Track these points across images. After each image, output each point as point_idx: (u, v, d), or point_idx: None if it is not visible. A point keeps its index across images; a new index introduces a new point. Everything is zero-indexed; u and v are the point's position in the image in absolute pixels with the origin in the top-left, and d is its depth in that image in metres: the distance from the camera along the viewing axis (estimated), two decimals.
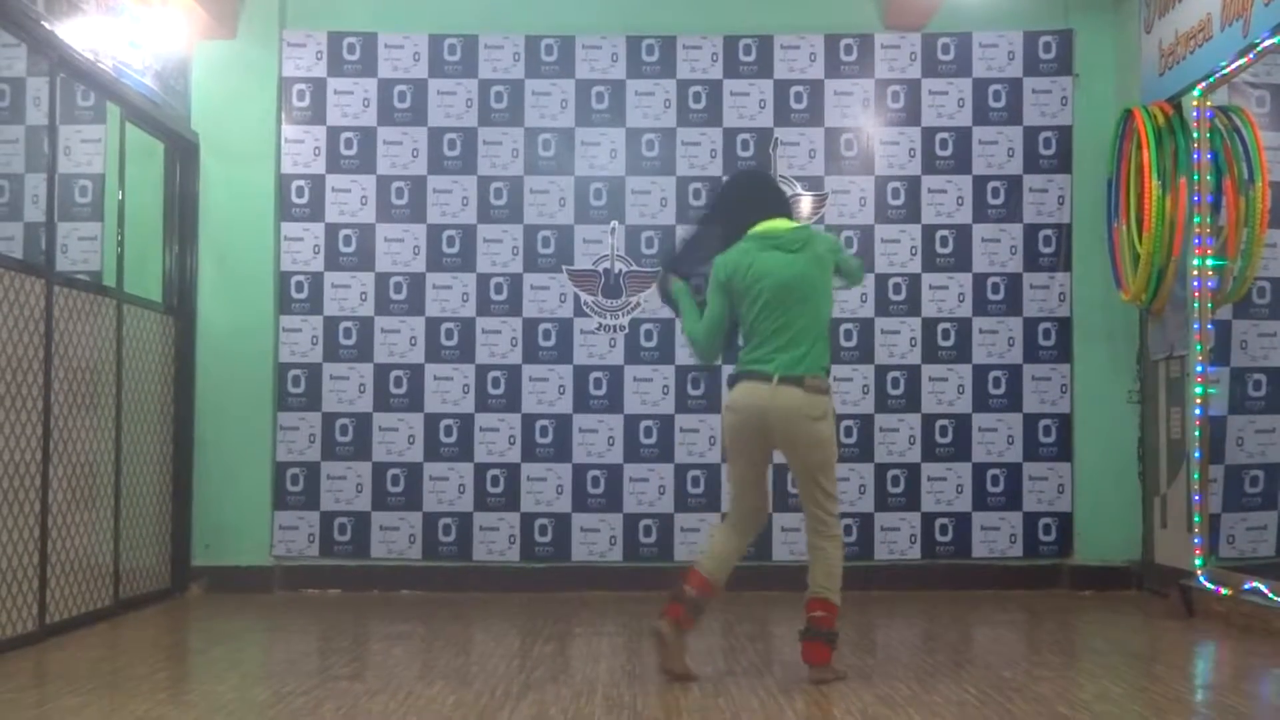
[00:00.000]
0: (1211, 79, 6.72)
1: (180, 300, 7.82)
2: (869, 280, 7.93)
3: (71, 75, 6.65)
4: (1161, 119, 7.10)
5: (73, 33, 6.39)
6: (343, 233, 7.99)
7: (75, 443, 6.40)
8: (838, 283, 5.31)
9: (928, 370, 7.96)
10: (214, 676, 5.48)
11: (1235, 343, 7.15)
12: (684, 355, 7.91)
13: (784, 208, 5.39)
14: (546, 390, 7.95)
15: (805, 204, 8.00)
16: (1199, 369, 6.88)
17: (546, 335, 7.92)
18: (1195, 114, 6.86)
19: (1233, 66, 6.53)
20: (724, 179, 5.94)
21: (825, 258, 5.18)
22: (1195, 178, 6.87)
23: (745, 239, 5.19)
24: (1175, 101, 7.12)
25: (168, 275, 7.79)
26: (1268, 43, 6.19)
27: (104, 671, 5.53)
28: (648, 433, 7.92)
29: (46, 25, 6.16)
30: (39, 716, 4.57)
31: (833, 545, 5.16)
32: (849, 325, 7.94)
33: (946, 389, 7.94)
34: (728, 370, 5.42)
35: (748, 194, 5.39)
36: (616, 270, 7.96)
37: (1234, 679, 5.31)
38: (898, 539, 7.90)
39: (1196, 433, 6.87)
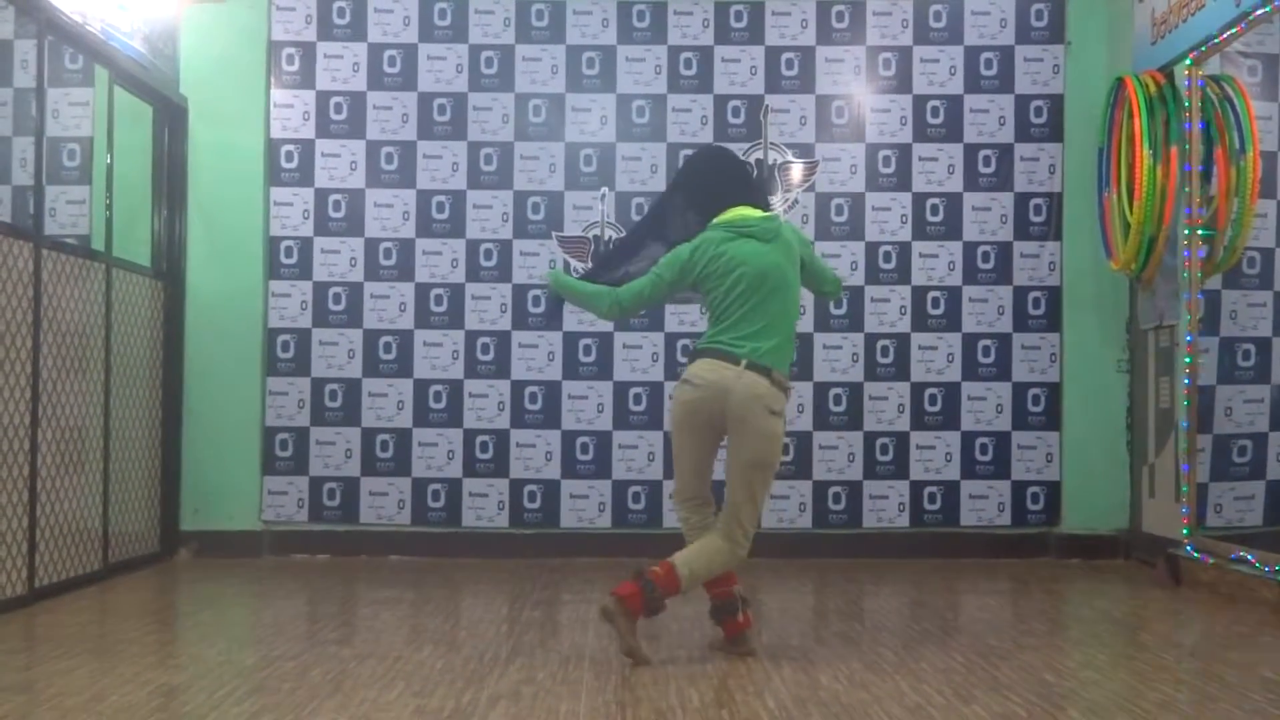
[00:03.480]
0: (1203, 48, 6.70)
1: (169, 265, 7.79)
2: (859, 248, 7.92)
3: (59, 38, 6.60)
4: (1153, 88, 7.07)
5: None
6: (332, 198, 7.96)
7: (64, 407, 6.39)
8: (811, 286, 5.21)
9: (917, 339, 7.95)
10: (202, 640, 5.49)
11: (1225, 312, 7.14)
12: (674, 323, 7.91)
13: (753, 194, 5.22)
14: (536, 357, 7.94)
15: (796, 171, 7.98)
16: (1188, 338, 6.88)
17: (536, 301, 7.90)
18: (1187, 83, 6.84)
19: (1224, 35, 6.51)
20: (687, 156, 5.56)
21: (795, 249, 5.02)
22: (1186, 147, 6.85)
23: (711, 227, 5.02)
24: (1167, 70, 7.10)
25: (156, 239, 7.75)
26: (1259, 12, 6.18)
27: (93, 635, 5.53)
28: (637, 399, 7.92)
29: None
30: (28, 679, 4.57)
31: (729, 552, 4.94)
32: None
33: (936, 357, 7.94)
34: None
35: (716, 178, 5.17)
36: (606, 237, 7.94)
37: (1220, 647, 5.33)
38: (886, 507, 7.91)
39: (1185, 402, 6.88)
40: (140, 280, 7.42)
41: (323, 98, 7.98)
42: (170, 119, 7.81)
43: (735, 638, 5.01)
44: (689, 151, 7.89)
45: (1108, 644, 5.60)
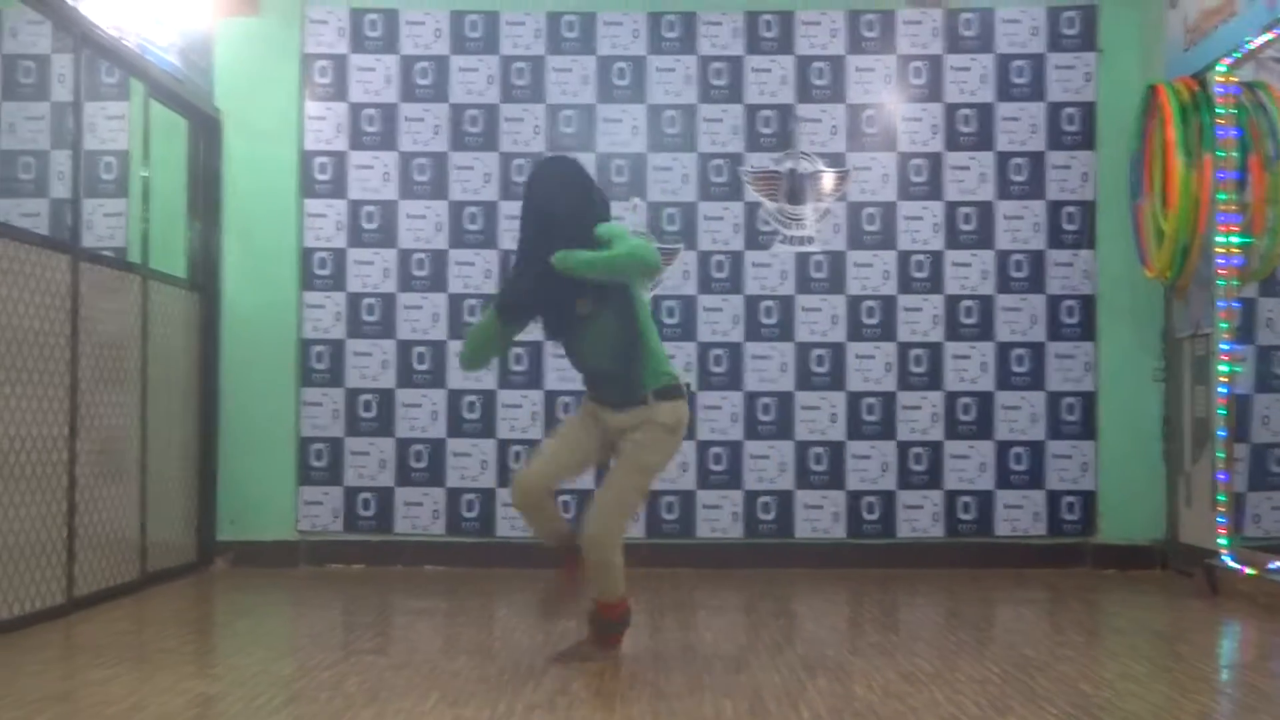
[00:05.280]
0: (1237, 54, 6.66)
1: (205, 276, 7.83)
2: (891, 257, 7.90)
3: (96, 52, 6.65)
4: (1186, 95, 7.03)
5: (97, 9, 6.40)
6: (365, 209, 7.99)
7: (102, 418, 6.42)
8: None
9: (950, 348, 7.92)
10: (239, 650, 5.50)
11: (1261, 320, 7.10)
12: (707, 332, 7.91)
13: (606, 207, 5.11)
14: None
15: (827, 180, 7.97)
16: (1224, 347, 6.83)
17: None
18: (1220, 90, 6.80)
19: (1259, 41, 6.47)
20: (533, 170, 5.21)
21: None
22: (1220, 154, 6.81)
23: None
24: (1200, 77, 7.05)
25: (192, 251, 7.79)
26: None
27: (131, 644, 5.55)
28: None
29: (71, 2, 6.16)
30: (67, 688, 4.59)
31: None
32: (871, 303, 7.91)
33: (969, 366, 7.91)
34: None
35: (577, 192, 4.95)
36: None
37: (1259, 658, 5.29)
38: (920, 517, 7.87)
39: (1222, 411, 6.83)
40: (176, 292, 7.46)
41: (355, 110, 8.02)
42: (205, 132, 7.85)
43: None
44: (720, 161, 7.98)
45: (1145, 655, 5.55)
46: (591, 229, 4.84)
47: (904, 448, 7.90)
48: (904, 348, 7.92)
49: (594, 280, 4.78)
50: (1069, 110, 7.97)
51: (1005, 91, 7.98)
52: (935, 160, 7.98)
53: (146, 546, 6.95)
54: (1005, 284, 7.93)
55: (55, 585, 5.92)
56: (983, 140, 7.97)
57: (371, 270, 7.97)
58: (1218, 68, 6.80)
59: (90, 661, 5.06)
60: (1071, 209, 7.94)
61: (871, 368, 7.91)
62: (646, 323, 4.95)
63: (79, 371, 6.13)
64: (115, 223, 7.50)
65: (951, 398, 7.91)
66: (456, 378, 7.90)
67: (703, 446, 7.89)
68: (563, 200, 4.88)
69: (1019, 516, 7.87)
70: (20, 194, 7.52)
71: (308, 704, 4.35)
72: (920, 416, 7.90)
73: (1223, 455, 6.76)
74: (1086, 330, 7.91)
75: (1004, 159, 7.96)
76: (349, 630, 6.09)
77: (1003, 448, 7.89)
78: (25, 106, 7.60)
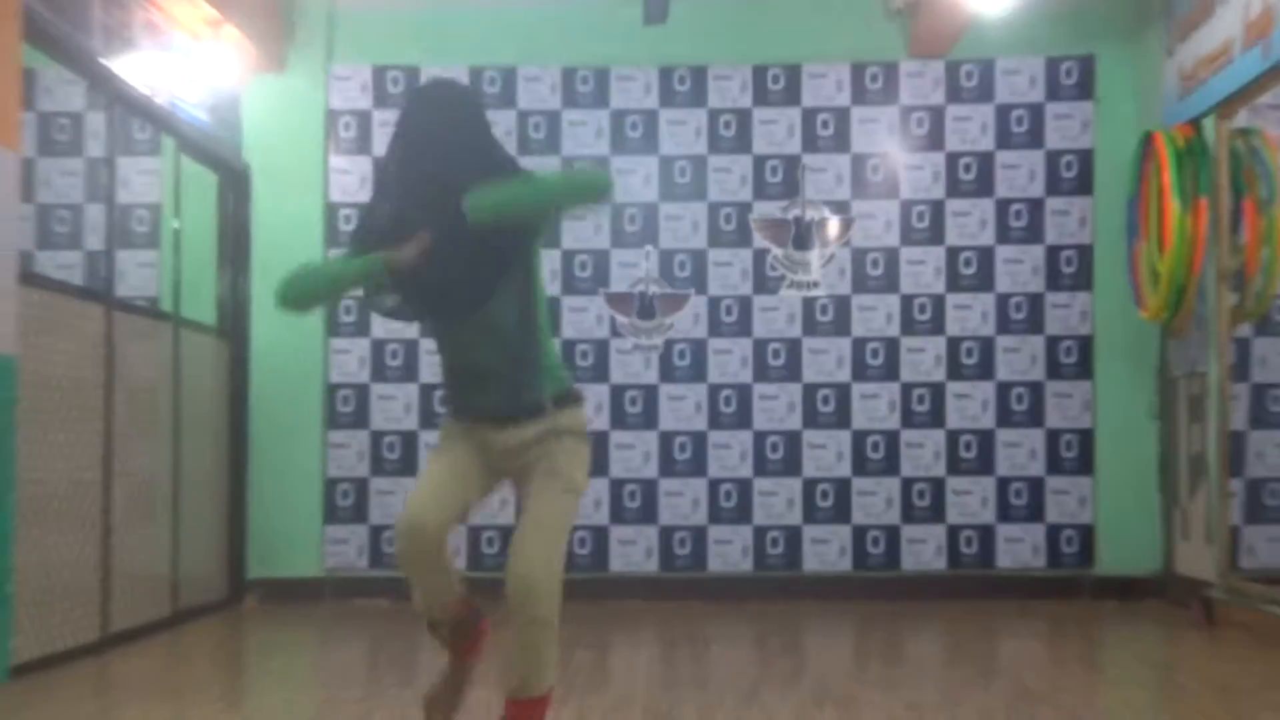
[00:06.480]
0: (1231, 101, 6.69)
1: (234, 324, 7.89)
2: (895, 301, 7.95)
3: (128, 109, 6.74)
4: (1182, 141, 7.06)
5: (129, 69, 6.49)
6: None
7: (135, 461, 6.47)
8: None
9: (952, 387, 7.95)
10: (269, 686, 5.54)
11: (1255, 359, 7.13)
12: (716, 374, 7.96)
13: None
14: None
15: (833, 227, 8.02)
16: (1219, 385, 6.85)
17: (584, 355, 7.95)
18: (1215, 136, 6.84)
19: (1251, 89, 6.50)
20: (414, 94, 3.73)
21: None
22: (1215, 198, 6.85)
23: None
24: (1195, 124, 7.09)
25: (221, 300, 7.85)
26: None
27: (164, 680, 5.59)
28: (682, 448, 7.94)
29: (104, 62, 6.26)
30: None
31: None
32: (875, 344, 7.94)
33: (970, 405, 7.94)
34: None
35: (479, 120, 3.59)
36: (651, 292, 8.00)
37: (1257, 688, 5.28)
38: (924, 550, 7.89)
39: (1217, 447, 6.85)
40: (206, 339, 7.52)
41: (379, 163, 8.07)
42: (234, 185, 7.93)
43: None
44: (729, 210, 8.04)
45: (1145, 684, 5.56)
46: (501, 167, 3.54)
47: (908, 484, 7.92)
48: (907, 388, 7.96)
49: (516, 224, 3.46)
50: (1067, 157, 8.02)
51: (1005, 140, 8.04)
52: (937, 207, 8.03)
53: (179, 584, 6.99)
54: (1005, 325, 7.96)
55: (90, 622, 5.95)
56: (983, 187, 8.02)
57: None
58: (1212, 115, 6.84)
59: (124, 698, 5.10)
60: (1069, 253, 7.98)
61: (876, 407, 7.94)
62: (546, 312, 3.69)
63: (113, 416, 6.19)
64: (148, 273, 7.57)
65: (953, 435, 7.94)
66: None
67: (713, 484, 7.92)
68: (467, 129, 3.53)
69: (1019, 550, 7.88)
70: (56, 246, 7.60)
71: None
72: (923, 454, 7.93)
73: (1218, 489, 6.75)
74: (1084, 370, 7.94)
75: (1004, 205, 8.01)
76: (374, 665, 6.11)
77: (1003, 483, 7.91)
78: (60, 162, 7.69)
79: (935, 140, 8.05)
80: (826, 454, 7.93)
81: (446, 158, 3.44)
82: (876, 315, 7.94)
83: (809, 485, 7.94)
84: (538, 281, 3.60)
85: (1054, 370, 7.94)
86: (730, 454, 7.94)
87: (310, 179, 8.07)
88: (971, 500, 7.90)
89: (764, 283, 8.02)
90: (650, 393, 7.98)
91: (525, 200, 3.42)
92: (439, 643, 3.81)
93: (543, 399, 3.59)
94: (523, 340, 3.55)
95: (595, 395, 7.92)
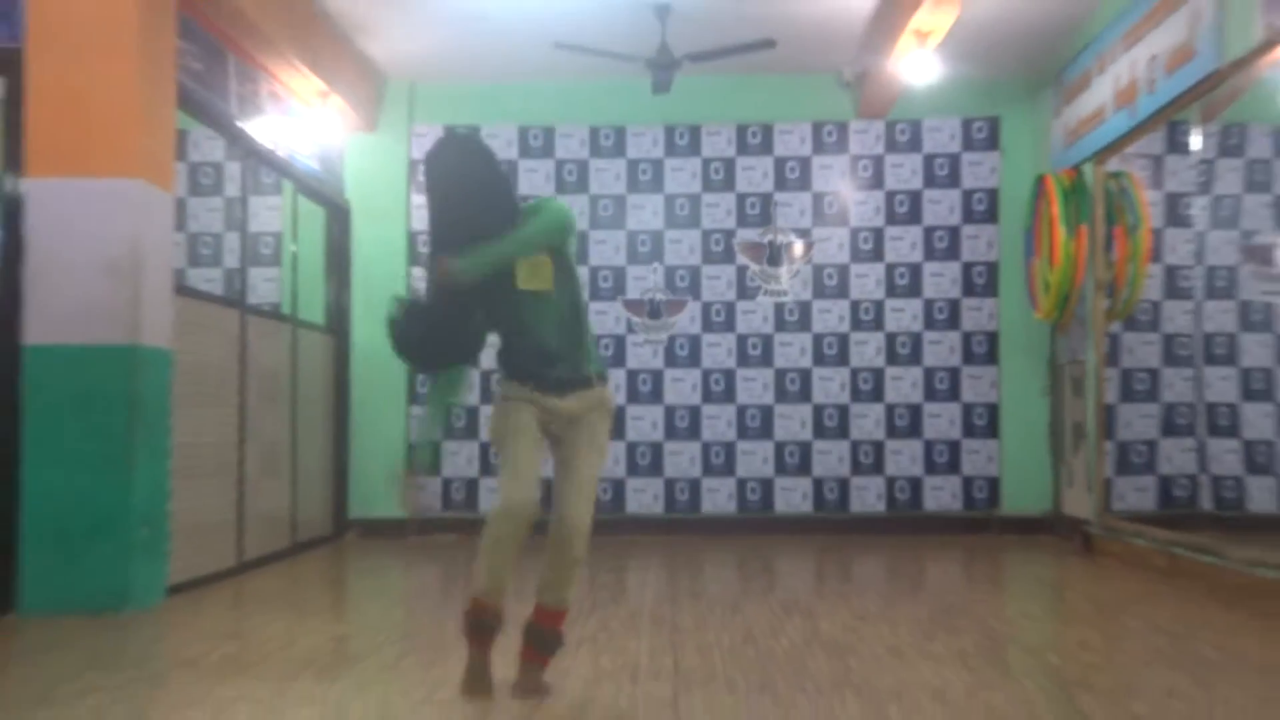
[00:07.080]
0: (1105, 150, 6.67)
1: (338, 323, 7.89)
2: (845, 305, 7.92)
3: (257, 160, 6.74)
4: (1067, 182, 7.04)
5: (258, 128, 6.50)
6: None
7: (263, 428, 6.49)
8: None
9: (890, 371, 7.93)
10: (366, 600, 5.55)
11: (1124, 349, 7.09)
12: (708, 362, 7.95)
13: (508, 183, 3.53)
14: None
15: (798, 248, 8.00)
16: (1096, 369, 6.83)
17: (606, 347, 7.95)
18: (1093, 178, 6.81)
19: (1122, 141, 6.48)
20: (436, 153, 3.46)
21: None
22: (1092, 226, 6.83)
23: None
24: (1078, 168, 7.07)
25: (328, 305, 7.85)
26: (1146, 120, 6.15)
27: (285, 597, 5.60)
28: (681, 419, 7.94)
29: (238, 123, 6.26)
30: (239, 629, 4.65)
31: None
32: (830, 339, 7.93)
33: (903, 385, 7.91)
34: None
35: (484, 165, 3.44)
36: (658, 299, 7.99)
37: (1126, 602, 5.27)
38: (868, 496, 7.87)
39: (1094, 417, 6.83)
40: (317, 335, 7.53)
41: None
42: (338, 218, 7.93)
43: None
44: (717, 235, 8.03)
45: (1039, 599, 5.55)
46: (510, 204, 3.43)
47: (855, 445, 7.90)
48: (855, 371, 7.93)
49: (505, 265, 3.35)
50: (978, 194, 7.98)
51: (930, 181, 8.00)
52: (878, 233, 8.00)
53: (296, 522, 7.00)
54: (931, 324, 7.93)
55: (228, 552, 5.98)
56: (913, 217, 7.99)
57: None
58: (1090, 161, 6.82)
59: (256, 610, 5.12)
60: (980, 268, 7.95)
61: (831, 387, 7.92)
62: (586, 307, 3.60)
63: (246, 394, 6.20)
64: (272, 285, 7.58)
65: (890, 408, 7.91)
66: None
67: (706, 446, 7.91)
68: (476, 177, 3.39)
69: (941, 496, 7.86)
70: (202, 264, 7.61)
71: (415, 640, 4.39)
72: (867, 422, 7.90)
73: (1094, 449, 6.73)
74: (991, 358, 7.91)
75: (930, 231, 7.97)
76: (445, 584, 6.12)
77: (929, 445, 7.89)
78: (205, 200, 7.69)
79: (877, 181, 8.02)
80: (792, 423, 7.92)
81: (459, 206, 3.39)
82: (831, 316, 7.92)
83: (779, 447, 7.93)
84: (576, 280, 3.49)
85: (969, 358, 7.91)
86: (719, 423, 7.93)
87: (396, 213, 8.07)
88: (904, 458, 7.88)
89: (745, 291, 8.00)
90: (657, 376, 7.97)
91: (505, 254, 3.34)
92: (468, 630, 3.48)
93: (590, 374, 3.46)
94: (575, 325, 3.45)
95: (615, 378, 7.91)
